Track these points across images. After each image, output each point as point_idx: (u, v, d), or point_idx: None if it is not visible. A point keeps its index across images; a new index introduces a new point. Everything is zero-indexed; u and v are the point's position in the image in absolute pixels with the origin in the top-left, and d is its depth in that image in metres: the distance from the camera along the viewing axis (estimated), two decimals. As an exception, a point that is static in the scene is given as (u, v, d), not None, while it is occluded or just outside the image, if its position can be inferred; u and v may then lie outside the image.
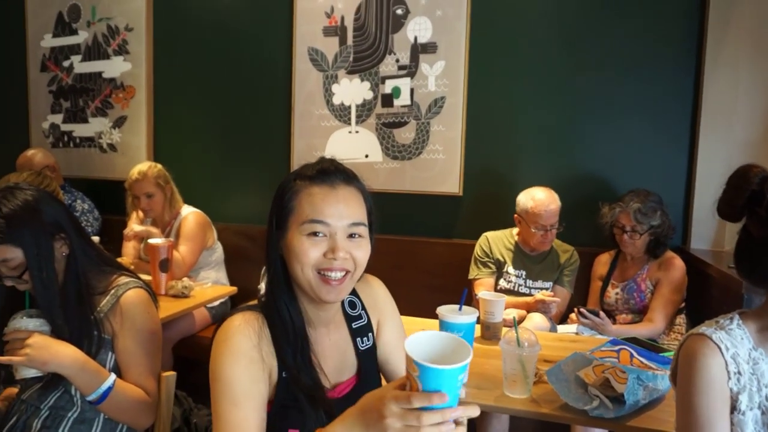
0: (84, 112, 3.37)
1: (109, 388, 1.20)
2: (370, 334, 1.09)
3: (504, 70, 2.63)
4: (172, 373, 1.35)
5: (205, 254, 2.70)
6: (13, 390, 1.36)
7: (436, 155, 2.70)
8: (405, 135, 2.74)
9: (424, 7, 2.66)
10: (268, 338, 0.93)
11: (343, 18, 2.78)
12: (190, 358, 2.48)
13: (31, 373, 1.16)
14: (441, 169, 2.69)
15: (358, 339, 1.07)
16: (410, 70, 2.70)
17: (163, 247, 2.25)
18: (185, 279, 2.31)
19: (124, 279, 1.32)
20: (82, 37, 3.32)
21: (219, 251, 2.82)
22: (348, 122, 2.81)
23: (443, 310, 1.37)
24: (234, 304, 2.87)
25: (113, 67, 3.26)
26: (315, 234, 0.91)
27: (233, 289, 2.51)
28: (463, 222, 2.74)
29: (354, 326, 1.08)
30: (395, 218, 2.78)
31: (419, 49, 2.68)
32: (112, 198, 3.15)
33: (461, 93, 2.64)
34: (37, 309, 1.21)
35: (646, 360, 1.33)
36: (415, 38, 2.68)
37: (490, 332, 1.71)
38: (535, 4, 2.58)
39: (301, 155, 2.89)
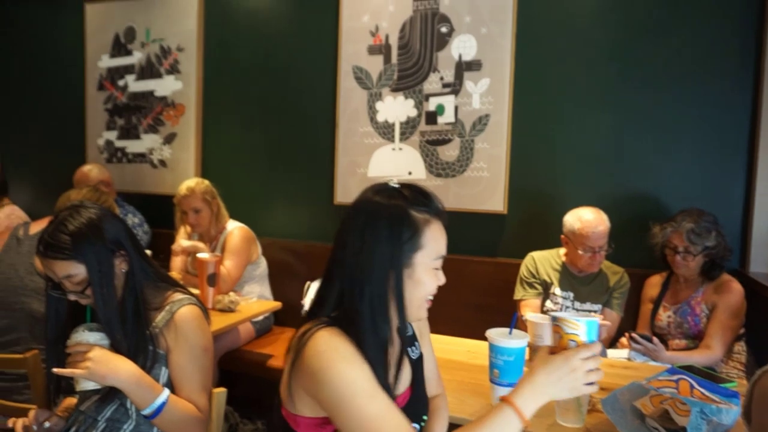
0: (137, 129, 3.50)
1: (163, 404, 1.23)
2: (416, 343, 1.17)
3: (550, 88, 2.60)
4: (223, 389, 1.37)
5: (250, 268, 2.74)
6: (72, 400, 1.40)
7: (481, 173, 2.68)
8: (449, 152, 2.73)
9: (469, 25, 2.66)
10: None
11: (387, 37, 2.81)
12: (235, 372, 2.52)
13: (91, 385, 1.20)
14: (485, 186, 2.67)
15: (409, 349, 1.13)
16: (454, 87, 2.70)
17: (211, 262, 2.30)
18: (232, 293, 2.35)
19: (178, 295, 1.36)
20: (136, 57, 3.47)
21: (263, 266, 2.86)
22: (392, 139, 2.83)
23: (493, 334, 1.35)
24: (277, 319, 2.90)
25: (165, 86, 3.39)
26: (439, 268, 1.02)
27: (278, 305, 2.54)
28: (508, 240, 2.70)
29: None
30: (438, 236, 2.76)
31: (464, 67, 2.68)
32: (162, 212, 3.24)
33: (506, 110, 2.62)
34: (98, 323, 1.25)
35: (708, 392, 1.27)
36: (460, 56, 2.68)
37: (538, 356, 1.67)
38: (582, 21, 2.54)
39: (344, 172, 2.92)
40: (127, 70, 3.50)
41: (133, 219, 3.25)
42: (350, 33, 2.88)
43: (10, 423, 1.23)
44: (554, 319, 1.01)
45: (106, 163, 3.56)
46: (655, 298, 2.26)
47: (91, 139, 3.66)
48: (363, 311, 0.94)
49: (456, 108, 2.70)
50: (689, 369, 1.48)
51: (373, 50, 2.84)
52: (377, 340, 0.95)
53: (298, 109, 3.08)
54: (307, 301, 2.64)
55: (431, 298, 1.03)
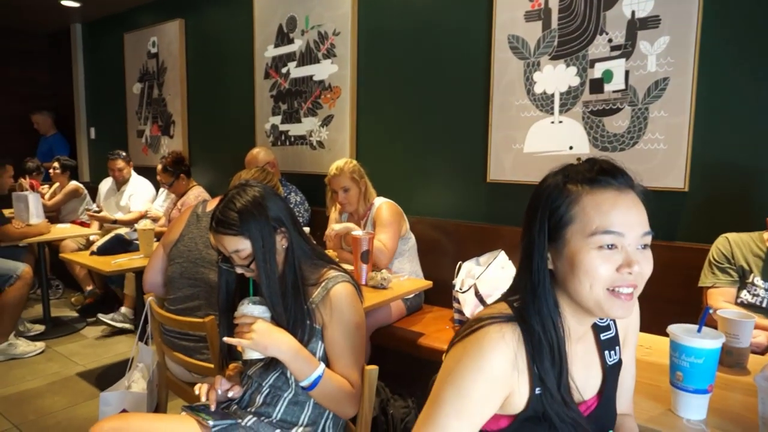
0: (298, 113, 3.71)
1: (319, 377, 1.26)
2: (617, 347, 1.01)
3: (750, 41, 2.17)
4: (375, 367, 1.38)
5: (399, 243, 2.76)
6: (240, 365, 1.52)
7: (656, 145, 2.35)
8: (617, 123, 2.44)
9: (645, -24, 2.33)
10: (523, 354, 0.85)
11: (546, 0, 2.58)
12: (386, 347, 2.57)
13: (255, 355, 1.27)
14: (661, 160, 2.34)
15: (606, 352, 0.98)
16: (625, 50, 2.39)
17: (364, 239, 2.34)
18: (384, 271, 2.38)
19: (333, 272, 1.38)
20: (297, 45, 3.66)
21: (412, 241, 2.87)
22: (551, 112, 2.62)
23: (678, 331, 1.15)
24: (427, 297, 2.89)
25: (322, 70, 3.52)
26: (608, 247, 0.83)
27: (429, 284, 2.52)
28: (689, 222, 2.35)
29: (603, 338, 0.99)
30: (603, 216, 2.50)
31: (637, 25, 2.36)
32: (320, 191, 3.40)
33: (690, 72, 2.25)
34: (261, 296, 1.32)
35: None
36: (633, 13, 2.37)
37: (732, 359, 1.41)
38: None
39: (498, 147, 2.78)
40: (289, 57, 3.71)
41: (295, 197, 3.47)
42: (505, 0, 2.70)
43: (196, 389, 1.36)
44: None
45: (271, 146, 3.84)
46: None
47: (260, 123, 3.97)
48: (527, 301, 0.86)
49: (627, 73, 2.40)
50: None
51: (530, 16, 2.64)
52: (545, 336, 0.84)
53: (449, 84, 3.00)
54: (458, 281, 2.59)
55: (624, 291, 0.84)
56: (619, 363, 1.00)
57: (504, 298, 0.93)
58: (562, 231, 0.84)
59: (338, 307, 1.32)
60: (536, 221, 0.86)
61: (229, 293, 1.39)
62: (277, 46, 3.78)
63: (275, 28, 3.77)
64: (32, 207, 3.69)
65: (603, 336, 0.99)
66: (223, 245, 1.31)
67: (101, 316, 3.85)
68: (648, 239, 0.86)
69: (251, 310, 1.29)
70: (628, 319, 1.01)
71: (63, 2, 4.85)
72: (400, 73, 3.20)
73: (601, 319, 0.97)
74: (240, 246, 1.29)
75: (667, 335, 1.19)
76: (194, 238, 1.86)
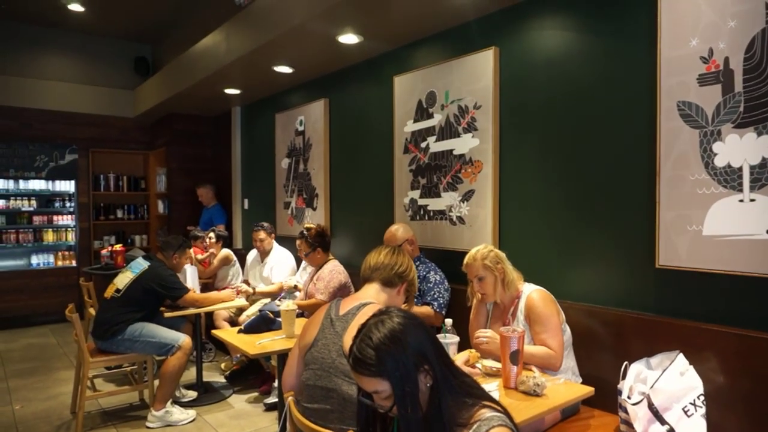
0: (437, 187, 3.61)
1: None
2: None
3: None
4: None
5: (553, 337, 2.45)
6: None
7: None
8: (834, 203, 1.97)
9: None
10: None
11: (727, 60, 2.22)
12: (538, 459, 2.25)
13: None
14: None
15: None
16: (841, 113, 1.95)
17: (514, 338, 2.11)
18: (537, 374, 2.10)
19: (487, 413, 1.18)
20: (436, 119, 3.61)
21: (567, 333, 2.55)
22: (738, 189, 2.20)
23: None
24: (585, 400, 2.51)
25: (463, 144, 3.42)
26: None
27: (590, 391, 2.17)
28: None
29: None
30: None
31: None
32: (460, 268, 3.23)
33: None
34: (406, 437, 1.16)
35: None
36: None
37: None
38: None
39: (670, 228, 2.40)
40: (429, 132, 3.67)
41: (435, 276, 3.32)
42: (673, 63, 2.38)
43: None
44: None
45: (410, 221, 3.78)
46: None
47: (399, 197, 3.94)
48: None
49: None
50: None
51: (706, 80, 2.29)
52: None
53: (604, 156, 2.70)
54: (626, 388, 2.21)
55: None
56: None
57: None
58: None
59: (493, 457, 1.11)
60: None
61: (369, 429, 1.25)
62: (416, 121, 3.77)
63: (415, 104, 3.78)
64: (189, 279, 3.98)
65: None
66: (362, 384, 1.18)
67: (268, 401, 3.92)
68: None
69: (394, 457, 1.13)
70: None
71: (227, 91, 5.40)
72: (547, 145, 2.97)
73: None
74: (379, 387, 1.15)
75: None
76: (327, 345, 1.77)
